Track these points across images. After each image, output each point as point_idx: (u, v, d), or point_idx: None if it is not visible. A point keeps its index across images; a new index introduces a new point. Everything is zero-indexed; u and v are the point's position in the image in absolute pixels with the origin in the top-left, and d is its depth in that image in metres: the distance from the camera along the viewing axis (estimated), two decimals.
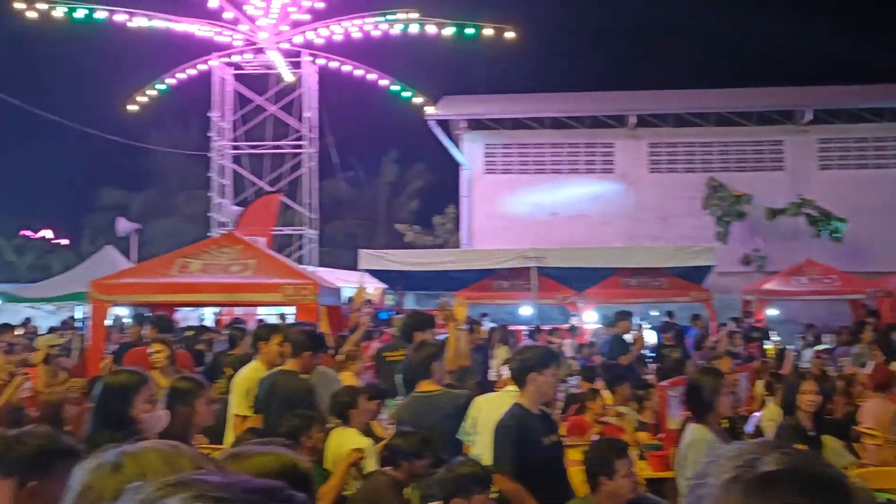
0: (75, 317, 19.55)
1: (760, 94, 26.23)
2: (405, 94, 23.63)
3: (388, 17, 22.20)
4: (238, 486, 0.86)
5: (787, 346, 13.65)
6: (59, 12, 21.06)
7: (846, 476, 1.14)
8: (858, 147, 24.94)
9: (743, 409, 8.34)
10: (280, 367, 6.50)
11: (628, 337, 11.91)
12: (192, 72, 23.31)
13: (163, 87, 23.62)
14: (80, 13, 21.13)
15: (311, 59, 23.75)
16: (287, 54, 23.65)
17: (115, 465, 1.20)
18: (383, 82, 23.52)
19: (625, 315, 12.30)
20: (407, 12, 22.06)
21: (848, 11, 35.01)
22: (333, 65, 23.60)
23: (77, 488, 1.19)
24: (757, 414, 7.77)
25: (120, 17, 21.53)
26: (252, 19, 22.82)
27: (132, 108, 23.96)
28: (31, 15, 20.91)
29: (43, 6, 20.88)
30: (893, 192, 23.62)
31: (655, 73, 31.96)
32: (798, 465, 1.09)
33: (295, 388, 6.15)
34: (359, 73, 23.43)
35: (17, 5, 20.65)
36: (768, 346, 14.01)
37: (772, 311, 19.27)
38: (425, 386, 5.79)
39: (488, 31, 22.01)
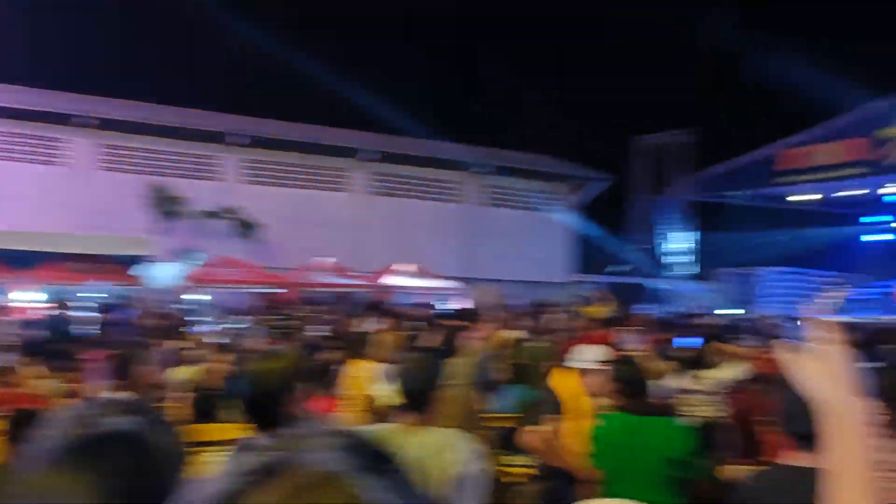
0: None
1: (200, 114, 26.09)
2: None
3: None
4: None
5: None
6: None
7: None
8: (279, 170, 26.32)
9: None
10: None
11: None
12: None
13: None
14: None
15: None
16: None
17: None
18: None
19: (63, 295, 11.20)
20: None
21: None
22: None
23: None
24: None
25: None
26: None
27: None
28: None
29: None
30: (299, 206, 25.47)
31: (124, 81, 28.78)
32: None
33: None
34: None
35: None
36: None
37: (202, 297, 19.30)
38: None
39: None
